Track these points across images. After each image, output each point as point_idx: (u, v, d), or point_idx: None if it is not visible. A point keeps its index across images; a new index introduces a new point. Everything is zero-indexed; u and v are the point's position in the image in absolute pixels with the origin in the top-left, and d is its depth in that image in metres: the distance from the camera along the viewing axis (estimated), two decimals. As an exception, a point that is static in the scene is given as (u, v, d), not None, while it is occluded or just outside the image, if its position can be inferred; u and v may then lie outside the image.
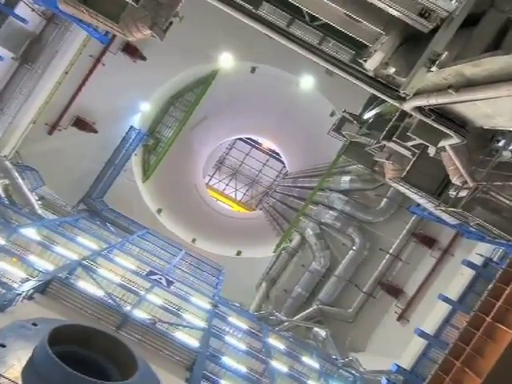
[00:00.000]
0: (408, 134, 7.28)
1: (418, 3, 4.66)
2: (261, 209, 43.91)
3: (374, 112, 11.89)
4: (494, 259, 14.33)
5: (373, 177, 18.86)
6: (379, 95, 5.93)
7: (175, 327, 12.20)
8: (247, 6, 5.85)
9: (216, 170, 50.24)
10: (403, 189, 11.32)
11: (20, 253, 11.96)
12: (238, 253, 27.15)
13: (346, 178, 22.11)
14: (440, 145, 6.98)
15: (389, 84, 5.71)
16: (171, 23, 8.27)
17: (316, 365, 14.72)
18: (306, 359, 14.75)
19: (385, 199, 20.97)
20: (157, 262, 18.31)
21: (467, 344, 9.36)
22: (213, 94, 24.86)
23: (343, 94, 19.31)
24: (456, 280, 15.71)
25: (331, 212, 22.26)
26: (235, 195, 50.80)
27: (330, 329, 19.93)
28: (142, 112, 24.71)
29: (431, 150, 7.68)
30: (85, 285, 11.75)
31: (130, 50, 22.03)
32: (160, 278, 15.19)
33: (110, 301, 11.23)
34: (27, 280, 10.09)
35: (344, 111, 14.71)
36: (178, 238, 26.08)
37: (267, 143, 45.26)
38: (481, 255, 14.69)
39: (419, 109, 5.84)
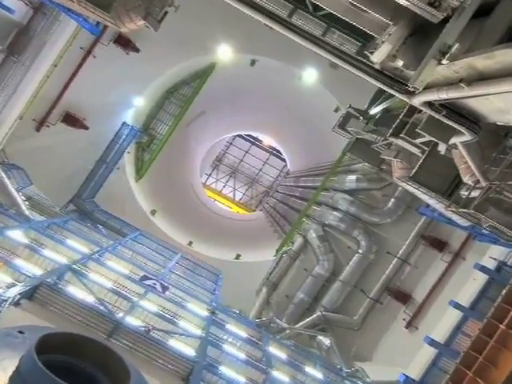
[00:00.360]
0: (417, 130, 7.29)
1: (427, -8, 4.65)
2: (261, 210, 43.93)
3: (381, 107, 11.89)
4: (508, 263, 14.34)
5: (380, 176, 18.88)
6: (386, 89, 5.93)
7: (170, 335, 12.21)
8: (246, -6, 5.85)
9: (214, 169, 50.27)
10: (412, 188, 11.33)
11: (6, 256, 11.96)
12: (237, 256, 27.16)
13: (352, 177, 22.11)
14: (451, 142, 6.98)
15: (397, 77, 5.71)
16: (166, 13, 8.29)
17: (319, 375, 14.73)
18: (308, 369, 14.76)
19: (392, 199, 20.98)
20: (151, 267, 18.33)
21: (480, 353, 9.37)
22: (210, 88, 24.85)
23: (348, 89, 19.27)
24: (468, 285, 15.72)
25: (335, 213, 22.26)
26: (234, 195, 50.81)
27: (334, 337, 19.93)
28: (136, 107, 24.70)
29: (441, 148, 7.68)
30: (74, 290, 11.75)
31: (123, 42, 22.00)
32: (154, 283, 15.20)
33: (101, 307, 11.24)
34: (13, 285, 10.09)
35: (349, 106, 14.72)
36: (173, 240, 26.07)
37: (268, 140, 45.28)
38: (494, 259, 14.71)
39: (429, 104, 5.84)
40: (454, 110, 5.91)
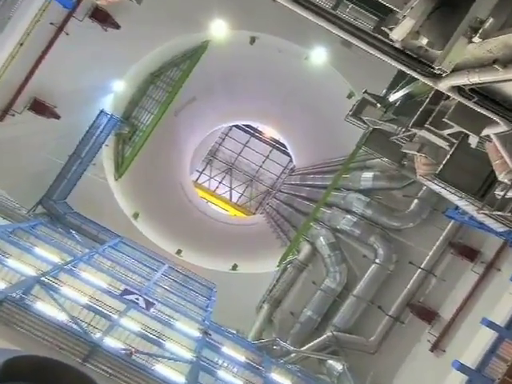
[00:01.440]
0: (444, 119, 7.28)
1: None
2: (261, 213, 44.00)
3: (401, 93, 11.90)
4: (551, 275, 14.36)
5: (400, 173, 18.85)
6: (408, 72, 5.94)
7: (156, 359, 12.21)
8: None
9: (207, 165, 50.32)
10: (438, 188, 11.33)
11: (-36, 267, 11.97)
12: (234, 267, 27.19)
13: (368, 175, 22.12)
14: (483, 133, 6.98)
15: (420, 58, 5.71)
16: (151, -17, 8.28)
17: (330, 406, 14.76)
18: (317, 399, 14.79)
19: (415, 201, 20.98)
20: (133, 279, 18.37)
21: (517, 380, 9.37)
22: (203, 71, 24.88)
23: (363, 71, 19.31)
24: (503, 300, 15.73)
25: (349, 216, 22.28)
26: (230, 196, 50.88)
27: (347, 361, 19.94)
28: (115, 93, 24.72)
29: (473, 140, 7.68)
30: (44, 307, 11.76)
31: (100, 17, 21.99)
32: (137, 299, 15.22)
33: (75, 326, 11.24)
34: (-27, 301, 10.11)
35: (364, 92, 14.72)
36: (159, 248, 26.11)
37: (270, 132, 45.34)
38: (534, 270, 14.73)
39: (458, 89, 5.84)
40: (487, 96, 5.90)
